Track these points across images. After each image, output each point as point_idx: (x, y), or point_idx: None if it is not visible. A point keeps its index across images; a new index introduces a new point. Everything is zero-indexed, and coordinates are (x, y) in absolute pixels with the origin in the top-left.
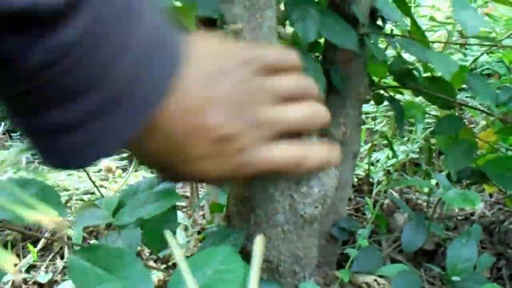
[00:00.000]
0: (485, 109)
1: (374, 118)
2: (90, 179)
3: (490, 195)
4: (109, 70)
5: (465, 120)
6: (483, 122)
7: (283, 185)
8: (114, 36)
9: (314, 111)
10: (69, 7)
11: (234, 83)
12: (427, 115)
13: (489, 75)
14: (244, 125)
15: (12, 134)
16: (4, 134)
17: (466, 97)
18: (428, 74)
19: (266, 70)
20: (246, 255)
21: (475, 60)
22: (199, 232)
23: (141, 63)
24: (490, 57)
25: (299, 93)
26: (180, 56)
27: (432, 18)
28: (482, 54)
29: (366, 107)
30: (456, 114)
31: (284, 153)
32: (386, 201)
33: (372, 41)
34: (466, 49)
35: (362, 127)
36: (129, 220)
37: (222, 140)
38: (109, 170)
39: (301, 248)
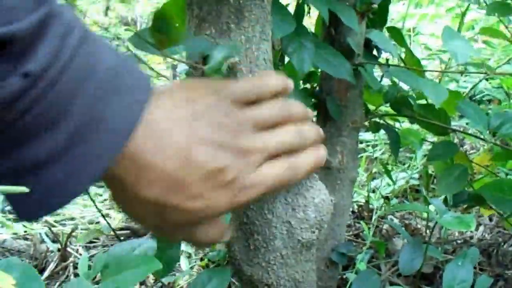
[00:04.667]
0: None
1: (374, 146)
2: (97, 207)
3: (490, 219)
4: (76, 95)
5: (466, 145)
6: (486, 147)
7: (280, 211)
8: (79, 60)
9: (301, 131)
10: (40, 29)
11: (213, 120)
12: (426, 142)
13: (489, 101)
14: (231, 157)
15: None
16: None
17: (467, 123)
18: (423, 101)
19: (245, 101)
20: (246, 279)
21: (473, 87)
22: (201, 259)
23: (109, 88)
24: (490, 83)
25: (284, 116)
26: (150, 87)
27: (426, 47)
28: (480, 80)
29: (366, 135)
30: (456, 140)
31: (275, 171)
32: (385, 226)
33: (367, 71)
34: (466, 76)
35: (363, 154)
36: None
37: (212, 175)
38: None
39: (300, 272)
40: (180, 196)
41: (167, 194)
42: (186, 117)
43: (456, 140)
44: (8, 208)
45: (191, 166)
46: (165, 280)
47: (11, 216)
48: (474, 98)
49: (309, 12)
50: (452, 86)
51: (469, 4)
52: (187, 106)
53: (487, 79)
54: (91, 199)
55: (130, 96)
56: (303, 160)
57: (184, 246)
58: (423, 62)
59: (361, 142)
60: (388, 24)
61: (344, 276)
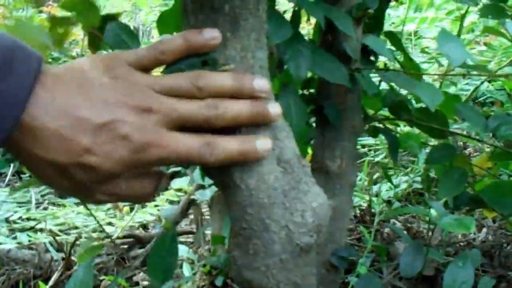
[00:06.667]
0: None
1: (376, 150)
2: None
3: (493, 221)
4: None
5: (470, 148)
6: (488, 150)
7: (278, 216)
8: None
9: (218, 106)
10: None
11: (104, 81)
12: (429, 145)
13: (492, 103)
14: (124, 112)
15: (22, 176)
16: (13, 175)
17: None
18: (422, 105)
19: (145, 65)
20: (246, 284)
21: (475, 90)
22: (204, 265)
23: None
24: (492, 85)
25: (200, 88)
26: (41, 59)
27: (423, 51)
28: (482, 83)
29: (367, 140)
30: (460, 143)
31: (188, 142)
32: (387, 230)
33: (364, 76)
34: (468, 78)
35: (364, 159)
36: None
37: (101, 129)
38: (116, 207)
39: (299, 276)
40: (72, 153)
41: (61, 154)
42: (77, 81)
43: (460, 143)
44: (13, 218)
45: (78, 123)
46: (169, 285)
47: (16, 226)
48: (477, 101)
49: (308, 19)
50: (452, 89)
51: (468, 7)
52: (80, 73)
53: (489, 81)
54: (87, 208)
55: (23, 68)
56: (225, 143)
57: (186, 253)
58: (423, 66)
59: (363, 147)
60: (389, 28)
61: (346, 280)
